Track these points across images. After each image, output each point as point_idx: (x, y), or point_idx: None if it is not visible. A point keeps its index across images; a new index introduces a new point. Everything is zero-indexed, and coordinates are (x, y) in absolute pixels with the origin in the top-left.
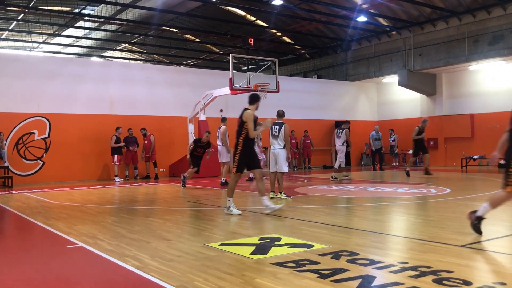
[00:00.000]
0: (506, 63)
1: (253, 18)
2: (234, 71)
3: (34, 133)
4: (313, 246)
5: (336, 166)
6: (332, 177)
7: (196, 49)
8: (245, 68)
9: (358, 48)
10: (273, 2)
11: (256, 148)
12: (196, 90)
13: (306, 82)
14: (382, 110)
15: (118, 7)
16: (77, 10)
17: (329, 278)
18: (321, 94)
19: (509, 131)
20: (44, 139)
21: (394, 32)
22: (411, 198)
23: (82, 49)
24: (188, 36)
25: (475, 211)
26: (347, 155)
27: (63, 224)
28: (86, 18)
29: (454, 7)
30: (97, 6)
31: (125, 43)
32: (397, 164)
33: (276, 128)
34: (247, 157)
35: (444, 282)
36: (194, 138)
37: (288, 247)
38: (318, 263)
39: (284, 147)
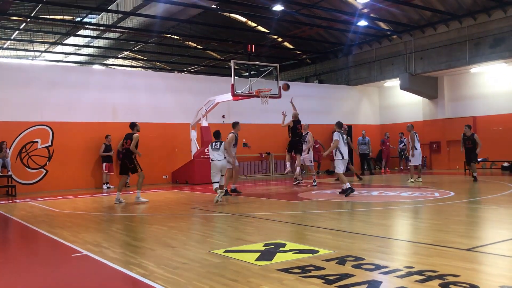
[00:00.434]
0: (507, 66)
1: (254, 24)
2: (235, 77)
3: (37, 142)
4: (318, 251)
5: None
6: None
7: (197, 55)
8: (247, 74)
9: (359, 53)
10: (274, 8)
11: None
12: (198, 96)
13: (308, 87)
14: (384, 114)
15: (120, 15)
16: (78, 19)
17: (335, 283)
18: (322, 99)
19: None
20: (47, 147)
21: (395, 36)
22: (415, 202)
23: (84, 57)
24: (190, 43)
25: None
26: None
27: (68, 233)
28: (87, 26)
29: (454, 10)
30: (99, 15)
31: (126, 51)
32: (401, 167)
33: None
34: None
35: (451, 286)
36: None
37: (293, 253)
38: (323, 268)
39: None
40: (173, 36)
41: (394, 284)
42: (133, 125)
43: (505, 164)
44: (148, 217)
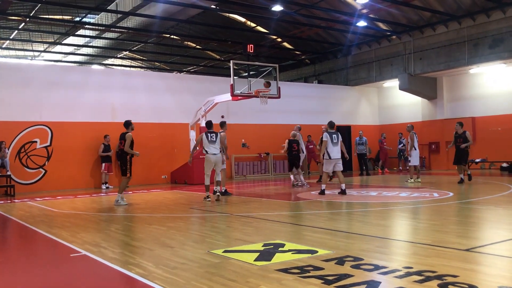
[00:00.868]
0: (506, 66)
1: (253, 25)
2: (235, 77)
3: (36, 142)
4: (317, 252)
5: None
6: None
7: (196, 56)
8: (246, 74)
9: (358, 53)
10: (273, 8)
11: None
12: (197, 96)
13: (307, 87)
14: (383, 114)
15: (119, 15)
16: (78, 19)
17: (334, 284)
18: (322, 99)
19: None
20: (46, 147)
21: (394, 37)
22: (414, 202)
23: (83, 57)
24: (189, 43)
25: None
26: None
27: (67, 233)
28: (86, 26)
29: (453, 11)
30: (98, 15)
31: (125, 51)
32: (401, 168)
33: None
34: None
35: (450, 286)
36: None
37: (292, 253)
38: (322, 269)
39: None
40: (172, 36)
41: (393, 285)
42: (127, 124)
43: (504, 164)
44: (147, 217)
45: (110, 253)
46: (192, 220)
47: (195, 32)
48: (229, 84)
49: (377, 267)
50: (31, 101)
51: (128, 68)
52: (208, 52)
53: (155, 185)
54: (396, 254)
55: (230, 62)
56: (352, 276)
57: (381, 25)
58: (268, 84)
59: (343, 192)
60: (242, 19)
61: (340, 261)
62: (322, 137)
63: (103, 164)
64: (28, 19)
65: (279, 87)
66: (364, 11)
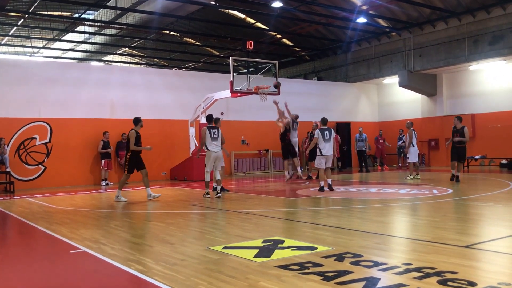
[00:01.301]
0: (506, 63)
1: (252, 21)
2: (234, 74)
3: (35, 138)
4: (316, 248)
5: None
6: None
7: (196, 52)
8: (246, 70)
9: (358, 50)
10: (273, 5)
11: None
12: (197, 93)
13: (307, 84)
14: (383, 111)
15: (118, 12)
16: (77, 15)
17: (333, 280)
18: (321, 96)
19: None
20: (45, 144)
21: (393, 33)
22: (413, 199)
23: (82, 53)
24: (188, 39)
25: None
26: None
27: (66, 229)
28: (86, 22)
29: (453, 8)
30: (97, 11)
31: (125, 47)
32: (400, 165)
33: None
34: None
35: (449, 283)
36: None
37: (292, 250)
38: (321, 265)
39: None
40: (171, 33)
41: (393, 281)
42: (135, 121)
43: (504, 161)
44: (146, 214)
45: (109, 249)
46: (192, 217)
47: (195, 29)
48: (229, 81)
49: (376, 264)
50: (30, 98)
51: (127, 65)
52: (208, 48)
53: (154, 182)
54: (396, 251)
55: (229, 59)
56: (351, 272)
57: (381, 21)
58: (278, 84)
59: (321, 188)
60: (242, 16)
61: (340, 257)
62: (310, 133)
63: (103, 161)
64: (27, 16)
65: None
66: (364, 7)
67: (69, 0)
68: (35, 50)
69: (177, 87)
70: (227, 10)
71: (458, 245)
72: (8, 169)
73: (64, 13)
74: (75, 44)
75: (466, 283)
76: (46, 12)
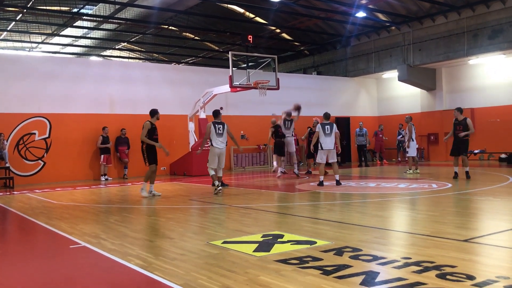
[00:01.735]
0: (505, 57)
1: (252, 15)
2: (233, 68)
3: (34, 134)
4: (315, 242)
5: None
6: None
7: (195, 47)
8: (245, 65)
9: (358, 44)
10: None
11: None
12: (196, 88)
13: (306, 79)
14: (382, 105)
15: (117, 6)
16: (75, 10)
17: (333, 274)
18: (321, 91)
19: None
20: (44, 139)
21: (393, 28)
22: (412, 193)
23: (81, 48)
24: (187, 34)
25: None
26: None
27: (66, 224)
28: (84, 17)
29: (453, 2)
30: (96, 5)
31: (124, 42)
32: (399, 159)
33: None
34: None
35: (448, 277)
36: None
37: (291, 244)
38: (321, 259)
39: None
40: (170, 27)
41: (392, 275)
42: (152, 113)
43: (503, 155)
44: (146, 209)
45: (109, 244)
46: (192, 212)
47: (194, 23)
48: (228, 76)
49: (375, 258)
50: (29, 93)
51: (126, 60)
52: (207, 43)
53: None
54: (395, 245)
55: (228, 53)
56: (350, 266)
57: (380, 16)
58: (298, 107)
59: (320, 182)
60: (241, 10)
61: (339, 251)
62: (310, 129)
63: (102, 156)
64: (25, 10)
65: (278, 79)
66: (363, 1)
67: None
68: (34, 45)
69: (176, 82)
70: (226, 5)
71: (457, 239)
72: (7, 165)
73: (63, 8)
74: (74, 39)
75: (465, 276)
76: (44, 7)
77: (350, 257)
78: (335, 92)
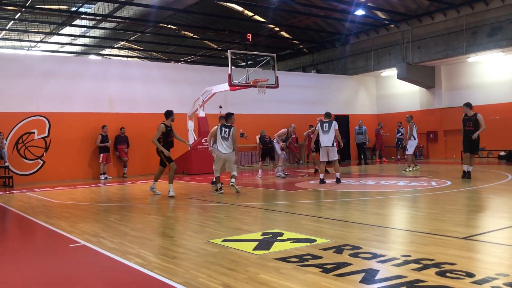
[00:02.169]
0: (504, 55)
1: (250, 14)
2: (232, 67)
3: (33, 133)
4: (315, 240)
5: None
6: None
7: (194, 45)
8: (244, 64)
9: (357, 42)
10: None
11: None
12: (195, 86)
13: (305, 77)
14: (381, 103)
15: (116, 5)
16: (74, 8)
17: (332, 272)
18: (320, 89)
19: None
20: (43, 138)
21: (392, 25)
22: (412, 191)
23: (80, 47)
24: (186, 32)
25: None
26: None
27: (65, 223)
28: (83, 16)
29: None
30: (94, 4)
31: (122, 41)
32: (399, 157)
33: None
34: None
35: (447, 274)
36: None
37: (291, 242)
38: (321, 257)
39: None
40: (169, 26)
41: (391, 273)
42: (167, 114)
43: (502, 153)
44: (145, 207)
45: (109, 243)
46: (191, 210)
47: (193, 22)
48: (227, 74)
49: (375, 256)
50: (28, 92)
51: (125, 58)
52: (206, 41)
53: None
54: (394, 243)
55: (227, 52)
56: (350, 264)
57: (379, 14)
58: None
59: (338, 181)
60: (240, 8)
61: (339, 249)
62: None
63: (101, 155)
64: (24, 9)
65: (277, 77)
66: None
67: None
68: (33, 44)
69: (175, 81)
70: (225, 3)
71: (456, 237)
72: (6, 164)
73: (62, 7)
74: (72, 37)
75: (464, 274)
76: (43, 6)
77: (350, 255)
78: (334, 90)
